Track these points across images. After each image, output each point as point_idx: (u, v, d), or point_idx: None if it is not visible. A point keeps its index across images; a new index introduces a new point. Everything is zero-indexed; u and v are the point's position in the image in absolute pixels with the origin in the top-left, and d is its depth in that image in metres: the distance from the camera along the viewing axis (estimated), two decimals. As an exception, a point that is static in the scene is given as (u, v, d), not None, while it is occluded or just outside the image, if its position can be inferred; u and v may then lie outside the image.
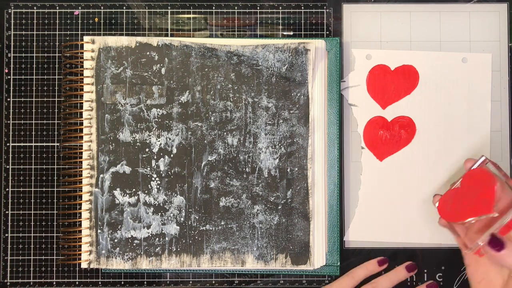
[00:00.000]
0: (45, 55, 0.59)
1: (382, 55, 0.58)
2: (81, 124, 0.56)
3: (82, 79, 0.56)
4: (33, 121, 0.58)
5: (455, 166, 0.57)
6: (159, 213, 0.55)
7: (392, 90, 0.58)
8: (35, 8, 0.59)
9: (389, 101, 0.58)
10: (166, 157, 0.55)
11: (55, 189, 0.58)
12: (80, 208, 0.56)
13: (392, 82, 0.58)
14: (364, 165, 0.58)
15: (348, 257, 0.58)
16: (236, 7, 0.59)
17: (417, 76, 0.58)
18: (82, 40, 0.57)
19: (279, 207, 0.55)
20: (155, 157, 0.55)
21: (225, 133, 0.55)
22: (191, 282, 0.58)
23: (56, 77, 0.59)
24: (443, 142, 0.57)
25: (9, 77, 0.59)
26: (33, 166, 0.58)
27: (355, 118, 0.58)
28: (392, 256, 0.58)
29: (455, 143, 0.58)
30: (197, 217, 0.55)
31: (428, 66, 0.58)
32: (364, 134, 0.58)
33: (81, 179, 0.55)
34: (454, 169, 0.57)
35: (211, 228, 0.55)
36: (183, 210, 0.55)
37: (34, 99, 0.59)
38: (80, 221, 0.55)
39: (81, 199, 0.55)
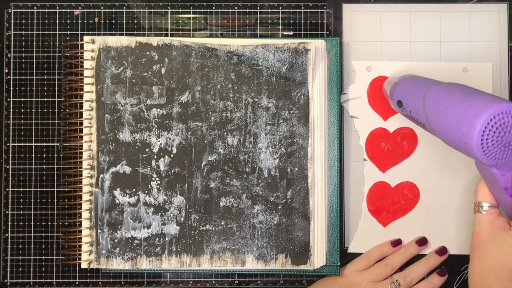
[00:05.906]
0: (45, 55, 0.59)
1: (382, 66, 0.58)
2: (81, 124, 0.56)
3: (82, 79, 0.56)
4: (33, 121, 0.58)
5: (457, 176, 0.57)
6: (159, 213, 0.55)
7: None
8: (35, 8, 0.59)
9: (390, 113, 0.58)
10: (166, 157, 0.55)
11: (55, 189, 0.58)
12: (80, 208, 0.56)
13: (393, 93, 0.58)
14: (367, 176, 0.58)
15: (348, 257, 0.58)
16: (236, 7, 0.59)
17: (418, 87, 0.57)
18: (82, 40, 0.57)
19: (279, 207, 0.55)
20: (155, 157, 0.55)
21: (225, 133, 0.55)
22: (191, 282, 0.58)
23: (56, 77, 0.59)
24: (445, 152, 0.57)
25: (9, 77, 0.59)
26: (33, 166, 0.58)
27: (357, 130, 0.58)
28: (392, 256, 0.58)
29: (457, 153, 0.57)
30: (197, 217, 0.55)
31: (429, 76, 0.57)
32: (366, 146, 0.58)
33: (81, 179, 0.55)
34: (456, 179, 0.57)
35: (211, 228, 0.55)
36: (183, 210, 0.55)
37: (34, 99, 0.59)
38: (80, 221, 0.55)
39: (81, 199, 0.55)
